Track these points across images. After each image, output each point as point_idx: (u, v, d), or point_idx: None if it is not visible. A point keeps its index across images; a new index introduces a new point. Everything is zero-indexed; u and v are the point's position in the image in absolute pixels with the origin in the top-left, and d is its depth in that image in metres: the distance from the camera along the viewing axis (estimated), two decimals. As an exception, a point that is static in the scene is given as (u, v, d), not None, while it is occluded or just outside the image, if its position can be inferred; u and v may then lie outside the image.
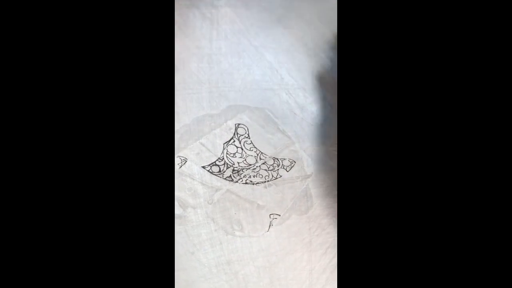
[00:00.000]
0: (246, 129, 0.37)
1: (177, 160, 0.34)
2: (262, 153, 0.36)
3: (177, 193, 0.33)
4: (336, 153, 0.37)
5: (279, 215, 0.34)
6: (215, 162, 0.35)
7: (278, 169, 0.36)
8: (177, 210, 0.32)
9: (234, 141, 0.36)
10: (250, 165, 0.35)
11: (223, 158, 0.35)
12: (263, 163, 0.36)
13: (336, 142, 0.38)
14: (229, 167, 0.35)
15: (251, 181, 0.35)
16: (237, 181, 0.34)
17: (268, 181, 0.35)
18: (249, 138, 0.37)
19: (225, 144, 0.36)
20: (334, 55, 0.40)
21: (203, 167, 0.34)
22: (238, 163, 0.35)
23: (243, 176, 0.35)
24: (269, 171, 0.35)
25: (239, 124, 0.37)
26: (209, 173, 0.34)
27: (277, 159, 0.36)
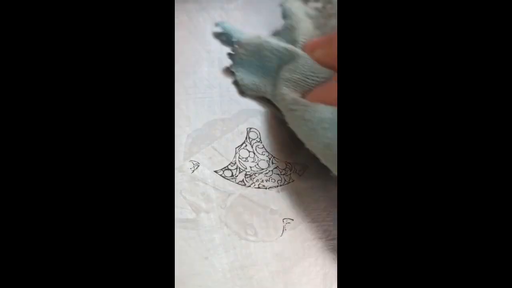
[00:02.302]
0: (258, 133, 0.37)
1: (189, 165, 0.34)
2: (274, 157, 0.36)
3: (190, 198, 0.33)
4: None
5: (292, 220, 0.33)
6: (227, 166, 0.35)
7: (290, 174, 0.36)
8: (190, 215, 0.32)
9: (246, 145, 0.36)
10: (263, 169, 0.35)
11: (235, 163, 0.35)
12: (276, 168, 0.36)
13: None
14: (241, 172, 0.35)
15: (263, 186, 0.35)
16: (249, 186, 0.34)
17: (280, 185, 0.35)
18: (261, 142, 0.37)
19: (237, 149, 0.36)
20: (276, 82, 0.39)
21: (216, 171, 0.34)
22: (251, 167, 0.35)
23: (256, 181, 0.35)
24: (282, 176, 0.35)
25: (250, 128, 0.37)
26: (221, 177, 0.34)
27: (289, 163, 0.36)
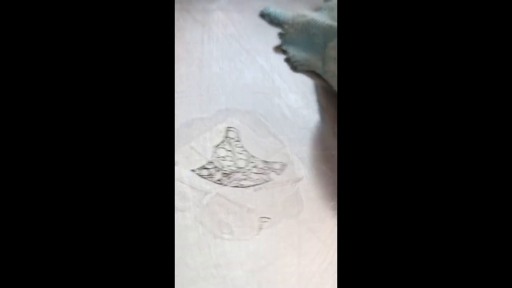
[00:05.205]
0: (237, 132, 0.37)
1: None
2: (252, 156, 0.36)
3: (166, 197, 0.32)
4: (327, 156, 0.37)
5: (269, 219, 0.33)
6: (204, 165, 0.35)
7: (268, 173, 0.35)
8: (166, 214, 0.32)
9: (224, 144, 0.36)
10: (240, 168, 0.35)
11: (213, 162, 0.35)
12: (254, 167, 0.35)
13: (328, 146, 0.37)
14: (219, 171, 0.35)
15: (241, 185, 0.34)
16: (226, 185, 0.34)
17: (258, 184, 0.35)
18: (240, 142, 0.36)
19: (215, 148, 0.36)
20: (325, 58, 0.40)
21: (193, 170, 0.34)
22: (228, 166, 0.35)
23: (233, 180, 0.34)
24: (259, 175, 0.35)
25: (229, 127, 0.37)
26: (198, 176, 0.34)
27: (267, 162, 0.36)
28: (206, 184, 0.34)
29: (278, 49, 0.43)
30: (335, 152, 0.37)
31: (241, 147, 0.36)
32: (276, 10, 0.44)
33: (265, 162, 0.36)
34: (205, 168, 0.34)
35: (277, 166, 0.36)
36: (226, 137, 0.36)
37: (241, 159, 0.36)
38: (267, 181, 0.35)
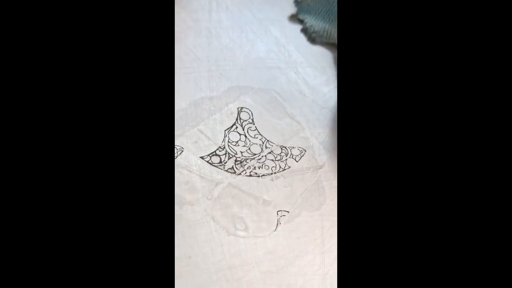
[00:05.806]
0: (250, 113, 0.34)
1: (171, 150, 0.31)
2: (268, 141, 0.33)
3: (172, 188, 0.29)
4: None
5: (288, 212, 0.30)
6: (215, 151, 0.31)
7: (286, 159, 0.32)
8: (172, 207, 0.29)
9: (236, 127, 0.33)
10: (255, 154, 0.32)
11: (224, 147, 0.32)
12: (270, 153, 0.32)
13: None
14: (231, 158, 0.31)
15: (256, 173, 0.31)
16: (240, 173, 0.31)
17: (275, 172, 0.32)
18: (254, 124, 0.33)
19: (226, 131, 0.32)
20: None
21: (202, 157, 0.31)
22: (241, 152, 0.32)
23: (247, 168, 0.31)
24: (276, 162, 0.32)
25: (242, 107, 0.34)
26: (208, 164, 0.31)
27: (285, 147, 0.33)
28: (217, 173, 0.31)
29: (294, 18, 0.39)
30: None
31: (255, 130, 0.33)
32: None
33: (282, 147, 0.33)
34: (216, 155, 0.31)
35: (295, 151, 0.33)
36: (238, 119, 0.33)
37: (255, 144, 0.32)
38: (285, 169, 0.32)
